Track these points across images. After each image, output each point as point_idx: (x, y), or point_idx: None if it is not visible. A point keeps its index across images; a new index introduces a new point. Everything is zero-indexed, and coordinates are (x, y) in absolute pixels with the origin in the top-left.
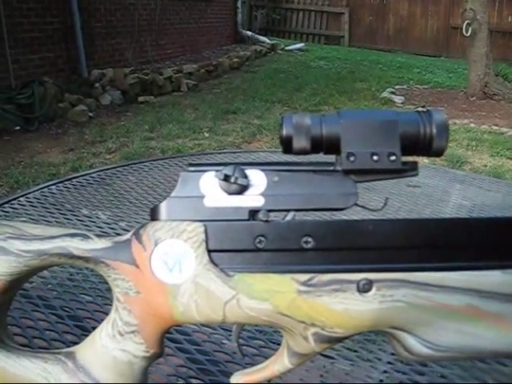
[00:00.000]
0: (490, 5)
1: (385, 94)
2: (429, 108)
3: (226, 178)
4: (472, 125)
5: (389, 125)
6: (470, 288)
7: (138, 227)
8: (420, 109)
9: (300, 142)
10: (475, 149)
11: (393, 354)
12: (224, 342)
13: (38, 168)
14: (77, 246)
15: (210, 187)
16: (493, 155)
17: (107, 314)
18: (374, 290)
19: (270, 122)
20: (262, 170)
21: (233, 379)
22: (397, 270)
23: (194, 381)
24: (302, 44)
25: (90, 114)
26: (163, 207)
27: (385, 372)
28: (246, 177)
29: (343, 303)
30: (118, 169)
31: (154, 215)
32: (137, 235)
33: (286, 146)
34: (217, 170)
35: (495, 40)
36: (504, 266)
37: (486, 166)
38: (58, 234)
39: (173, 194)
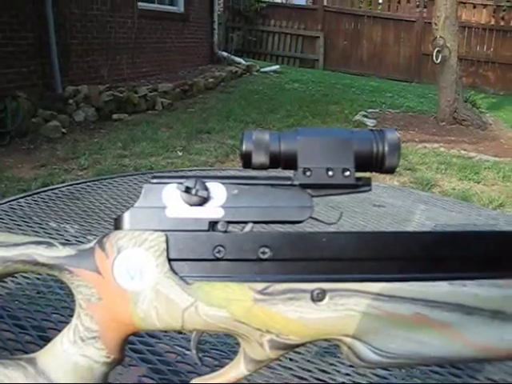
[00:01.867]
0: (459, 34)
1: (357, 117)
2: (382, 128)
3: (188, 190)
4: (442, 149)
5: (343, 142)
6: (419, 298)
7: (101, 236)
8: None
9: (259, 158)
10: (444, 172)
11: (351, 366)
12: (186, 353)
13: (8, 183)
14: (41, 253)
15: (171, 198)
16: (461, 179)
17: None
18: (327, 299)
19: None
20: (223, 183)
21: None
22: (349, 281)
23: None
24: (277, 66)
25: (63, 130)
26: (126, 217)
27: None
28: (206, 189)
29: (297, 311)
30: (88, 183)
31: (117, 225)
32: (100, 243)
33: (246, 161)
34: (179, 183)
35: (465, 68)
36: (451, 278)
37: (454, 189)
38: (23, 242)
39: (136, 205)
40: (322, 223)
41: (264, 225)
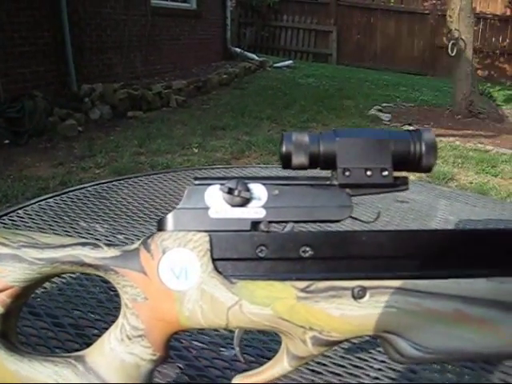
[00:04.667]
0: (474, 25)
1: (372, 112)
2: (418, 127)
3: (230, 191)
4: (458, 142)
5: (382, 143)
6: (457, 294)
7: (145, 237)
8: (407, 127)
9: (299, 158)
10: (461, 166)
11: (383, 362)
12: (221, 349)
13: (27, 182)
14: (87, 254)
15: (214, 199)
16: (478, 172)
17: (107, 322)
18: (367, 297)
19: (258, 138)
20: (263, 184)
21: (234, 381)
22: (389, 278)
23: None
24: (291, 61)
25: (80, 129)
26: (170, 218)
27: None
28: (248, 190)
29: (339, 308)
30: (113, 183)
31: (161, 226)
32: (145, 244)
33: (286, 161)
34: (221, 184)
35: (480, 60)
36: (489, 274)
37: (471, 182)
38: (70, 243)
39: (179, 206)
40: (361, 222)
41: (304, 224)
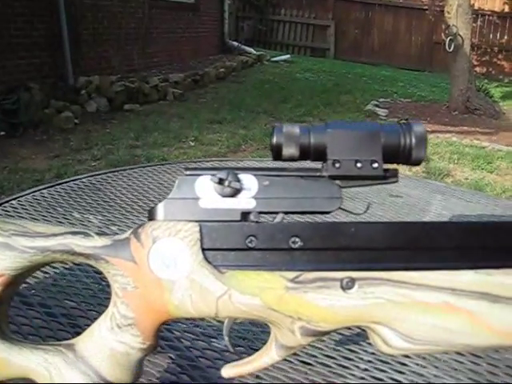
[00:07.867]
0: (472, 22)
1: (369, 107)
2: (410, 120)
3: (221, 182)
4: (454, 138)
5: (372, 135)
6: (446, 286)
7: (136, 227)
8: (403, 121)
9: (289, 150)
10: (457, 162)
11: (373, 354)
12: (213, 340)
13: (23, 174)
14: (78, 243)
15: (205, 190)
16: (474, 168)
17: (100, 312)
18: (356, 288)
19: (255, 132)
20: (254, 175)
21: (223, 371)
22: (377, 269)
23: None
24: (288, 55)
25: (76, 121)
26: (161, 208)
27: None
28: (238, 180)
29: (328, 299)
30: (108, 174)
31: (151, 215)
32: (136, 234)
33: (276, 153)
34: (212, 174)
35: (478, 57)
36: (477, 267)
37: (467, 178)
38: (61, 232)
39: (170, 196)
40: (351, 213)
41: (294, 215)
